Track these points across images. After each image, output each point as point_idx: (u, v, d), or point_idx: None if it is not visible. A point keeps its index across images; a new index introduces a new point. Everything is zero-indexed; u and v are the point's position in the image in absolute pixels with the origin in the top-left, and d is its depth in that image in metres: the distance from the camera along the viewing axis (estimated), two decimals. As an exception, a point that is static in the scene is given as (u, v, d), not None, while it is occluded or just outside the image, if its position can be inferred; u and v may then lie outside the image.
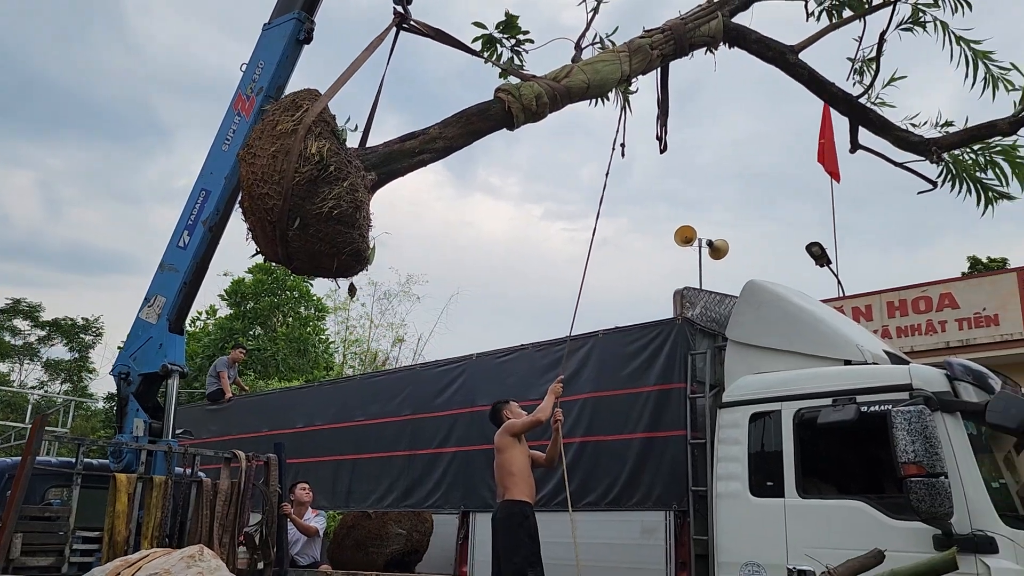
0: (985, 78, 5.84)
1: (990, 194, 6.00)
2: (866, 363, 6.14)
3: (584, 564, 6.70)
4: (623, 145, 6.32)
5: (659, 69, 5.93)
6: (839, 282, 15.99)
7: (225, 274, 24.35)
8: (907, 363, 6.25)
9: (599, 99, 6.26)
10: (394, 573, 7.49)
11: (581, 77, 5.39)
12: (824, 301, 14.78)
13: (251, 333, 23.52)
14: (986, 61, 5.88)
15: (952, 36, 5.95)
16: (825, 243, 16.00)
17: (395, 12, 5.48)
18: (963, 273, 19.33)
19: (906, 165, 6.03)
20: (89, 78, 64.37)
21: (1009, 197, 5.96)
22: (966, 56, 5.91)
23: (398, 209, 50.28)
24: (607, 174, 6.35)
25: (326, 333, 24.76)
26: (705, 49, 5.98)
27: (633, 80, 6.00)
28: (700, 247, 16.59)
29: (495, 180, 56.77)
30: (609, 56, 5.64)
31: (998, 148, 5.87)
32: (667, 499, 6.62)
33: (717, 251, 16.80)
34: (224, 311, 24.55)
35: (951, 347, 12.60)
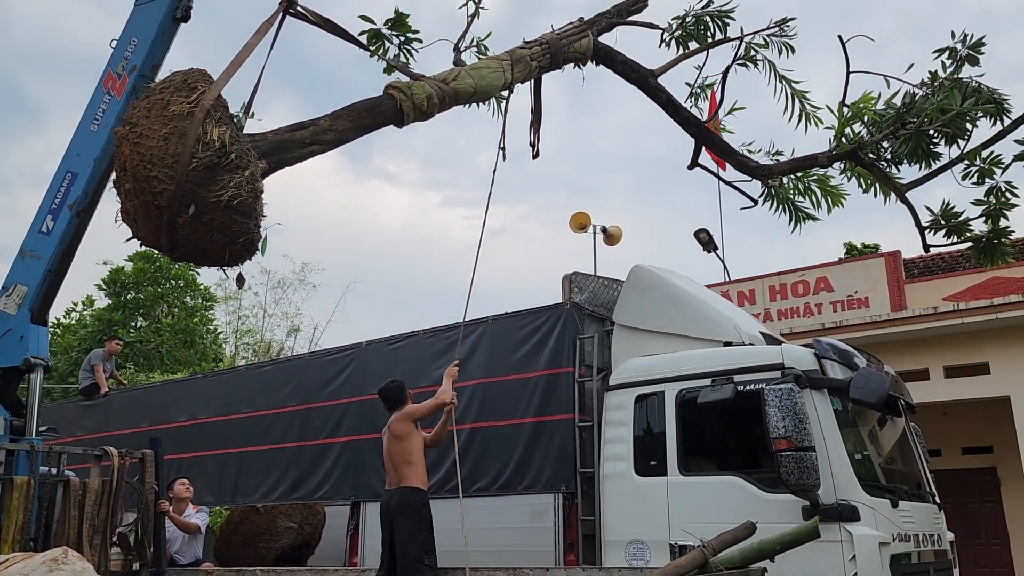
0: (801, 114, 6.51)
1: (799, 214, 6.76)
2: (744, 344, 6.39)
3: (476, 549, 6.71)
4: (503, 148, 6.41)
5: (533, 79, 6.17)
6: (725, 267, 16.68)
7: (104, 263, 23.12)
8: (781, 343, 6.54)
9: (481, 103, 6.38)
10: (276, 568, 7.29)
11: (468, 81, 5.52)
12: (710, 285, 15.33)
13: (132, 324, 22.40)
14: (802, 99, 6.53)
15: (776, 74, 6.55)
16: (713, 230, 16.64)
17: None
18: (839, 258, 20.42)
19: (734, 184, 6.60)
20: (-51, 52, 59.48)
21: (815, 219, 6.80)
22: (787, 93, 6.53)
23: (294, 194, 49.02)
24: (494, 170, 6.42)
25: (214, 323, 23.86)
26: (574, 64, 6.24)
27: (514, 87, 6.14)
28: (595, 233, 16.86)
29: (392, 167, 55.91)
30: (494, 63, 5.81)
31: (815, 177, 6.66)
32: (556, 482, 6.70)
33: (611, 237, 17.11)
34: (102, 302, 23.29)
35: (826, 328, 13.26)
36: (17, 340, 6.34)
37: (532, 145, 6.55)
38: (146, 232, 4.47)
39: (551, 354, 7.02)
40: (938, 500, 6.84)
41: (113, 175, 4.74)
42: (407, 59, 6.46)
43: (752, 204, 6.70)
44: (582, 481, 6.61)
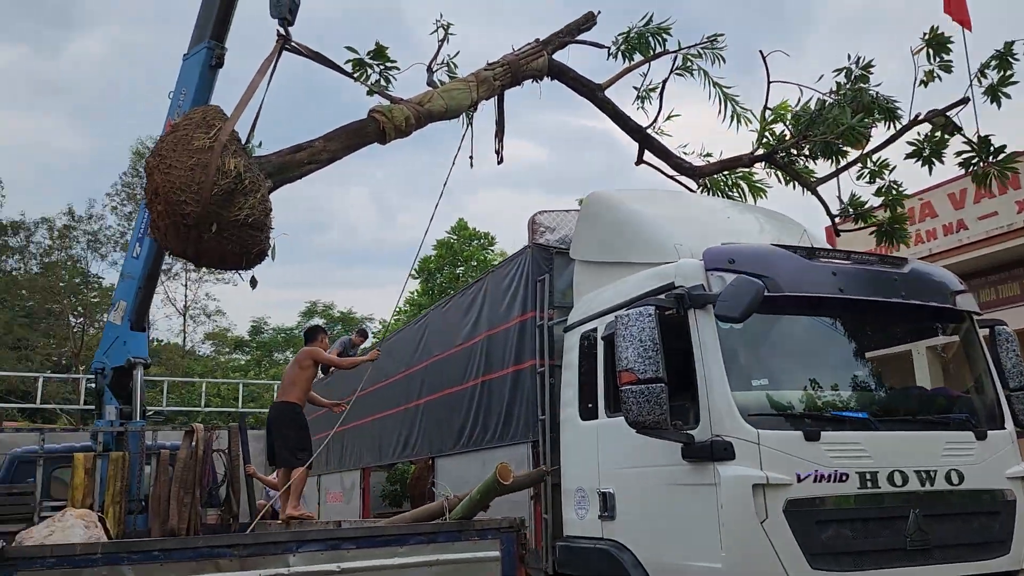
0: (732, 115, 7.45)
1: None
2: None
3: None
4: (471, 157, 7.20)
5: (496, 96, 7.03)
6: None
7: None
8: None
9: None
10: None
11: (440, 103, 6.28)
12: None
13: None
14: (733, 102, 7.43)
15: (711, 81, 7.48)
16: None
17: (279, 35, 5.94)
18: None
19: (675, 178, 7.63)
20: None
21: None
22: (719, 97, 7.45)
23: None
24: (445, 182, 7.12)
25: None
26: (532, 80, 7.00)
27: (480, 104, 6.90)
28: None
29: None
30: (462, 85, 6.59)
31: (741, 174, 7.80)
32: (527, 432, 6.49)
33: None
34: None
35: None
36: (122, 345, 8.11)
37: (497, 152, 7.32)
38: (175, 244, 5.51)
39: (521, 301, 6.75)
40: (983, 427, 5.14)
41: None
42: (386, 84, 6.96)
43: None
44: (544, 429, 6.31)
